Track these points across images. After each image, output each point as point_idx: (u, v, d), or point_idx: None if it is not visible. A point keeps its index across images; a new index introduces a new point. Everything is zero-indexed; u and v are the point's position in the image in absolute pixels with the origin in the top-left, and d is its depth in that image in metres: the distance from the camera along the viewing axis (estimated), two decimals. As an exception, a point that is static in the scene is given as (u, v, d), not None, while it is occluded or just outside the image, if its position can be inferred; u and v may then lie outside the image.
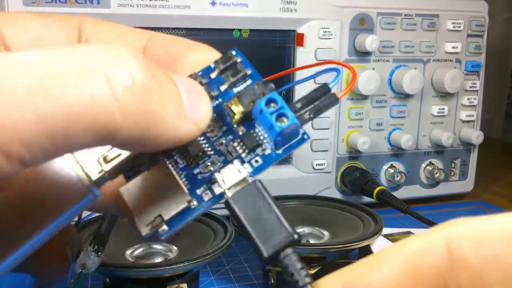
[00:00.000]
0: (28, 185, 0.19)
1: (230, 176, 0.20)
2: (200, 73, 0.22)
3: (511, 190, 0.71)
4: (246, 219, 0.19)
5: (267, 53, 0.56)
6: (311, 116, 0.21)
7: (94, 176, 0.20)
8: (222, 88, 0.21)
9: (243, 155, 0.21)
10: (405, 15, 0.59)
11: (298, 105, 0.21)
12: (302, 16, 0.55)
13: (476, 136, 0.63)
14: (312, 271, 0.41)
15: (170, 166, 0.21)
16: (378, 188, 0.56)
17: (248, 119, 0.21)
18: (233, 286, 0.44)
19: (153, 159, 0.21)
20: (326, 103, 0.21)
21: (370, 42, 0.56)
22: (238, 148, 0.21)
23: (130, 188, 0.21)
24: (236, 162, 0.21)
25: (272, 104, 0.20)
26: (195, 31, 0.53)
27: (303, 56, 0.56)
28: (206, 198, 0.21)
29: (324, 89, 0.21)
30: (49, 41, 0.23)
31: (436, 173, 0.63)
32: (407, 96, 0.61)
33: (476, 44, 0.63)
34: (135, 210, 0.21)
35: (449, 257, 0.14)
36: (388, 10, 0.58)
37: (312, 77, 0.24)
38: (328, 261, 0.42)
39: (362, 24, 0.58)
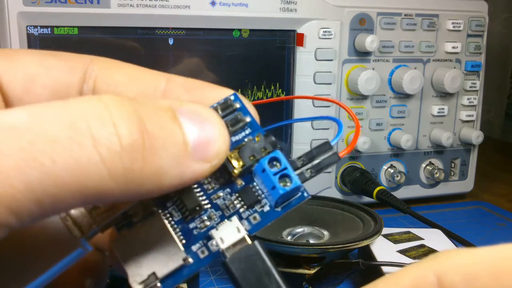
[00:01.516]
0: (14, 237, 0.18)
1: (228, 235, 0.19)
2: None
3: (511, 190, 0.71)
4: (244, 283, 0.19)
5: (267, 53, 0.56)
6: (312, 174, 0.20)
7: (86, 230, 0.19)
8: None
9: (241, 210, 0.20)
10: (405, 15, 0.59)
11: (300, 163, 0.20)
12: (302, 16, 0.55)
13: (476, 136, 0.63)
14: (312, 271, 0.41)
15: (164, 219, 0.20)
16: (378, 188, 0.56)
17: (246, 172, 0.20)
18: (233, 286, 0.44)
19: (146, 210, 0.20)
20: (327, 162, 0.20)
21: (370, 42, 0.56)
22: (236, 203, 0.20)
23: (122, 241, 0.20)
24: (235, 219, 0.20)
25: (275, 163, 0.19)
26: (195, 31, 0.53)
27: (303, 56, 0.56)
28: (202, 256, 0.20)
29: (326, 147, 0.20)
30: (44, 81, 0.22)
31: (436, 173, 0.63)
32: (407, 96, 0.61)
33: (476, 44, 0.63)
34: (126, 265, 0.19)
35: None
36: (388, 10, 0.58)
37: (310, 119, 0.24)
38: (328, 261, 0.42)
39: (362, 24, 0.58)
